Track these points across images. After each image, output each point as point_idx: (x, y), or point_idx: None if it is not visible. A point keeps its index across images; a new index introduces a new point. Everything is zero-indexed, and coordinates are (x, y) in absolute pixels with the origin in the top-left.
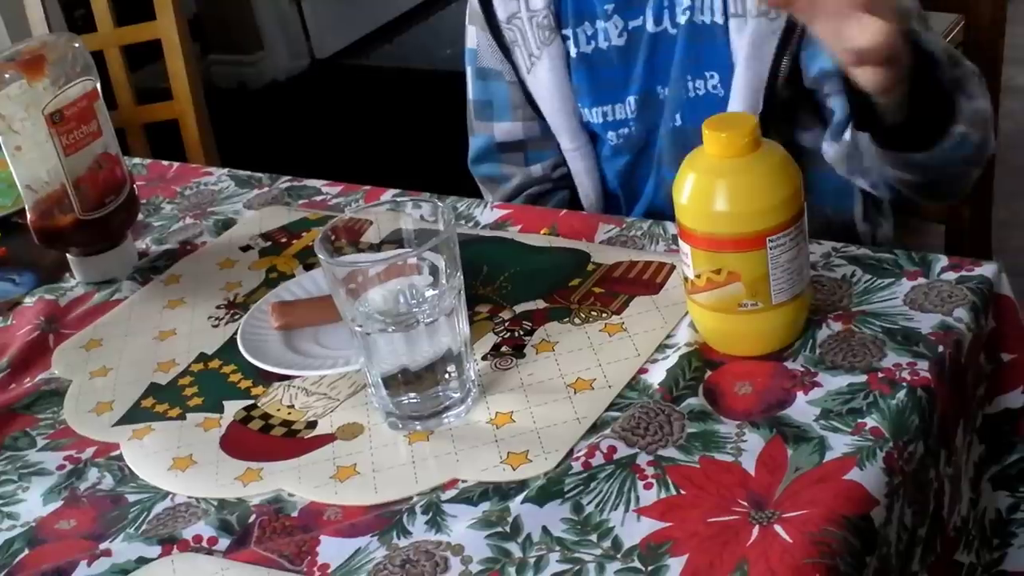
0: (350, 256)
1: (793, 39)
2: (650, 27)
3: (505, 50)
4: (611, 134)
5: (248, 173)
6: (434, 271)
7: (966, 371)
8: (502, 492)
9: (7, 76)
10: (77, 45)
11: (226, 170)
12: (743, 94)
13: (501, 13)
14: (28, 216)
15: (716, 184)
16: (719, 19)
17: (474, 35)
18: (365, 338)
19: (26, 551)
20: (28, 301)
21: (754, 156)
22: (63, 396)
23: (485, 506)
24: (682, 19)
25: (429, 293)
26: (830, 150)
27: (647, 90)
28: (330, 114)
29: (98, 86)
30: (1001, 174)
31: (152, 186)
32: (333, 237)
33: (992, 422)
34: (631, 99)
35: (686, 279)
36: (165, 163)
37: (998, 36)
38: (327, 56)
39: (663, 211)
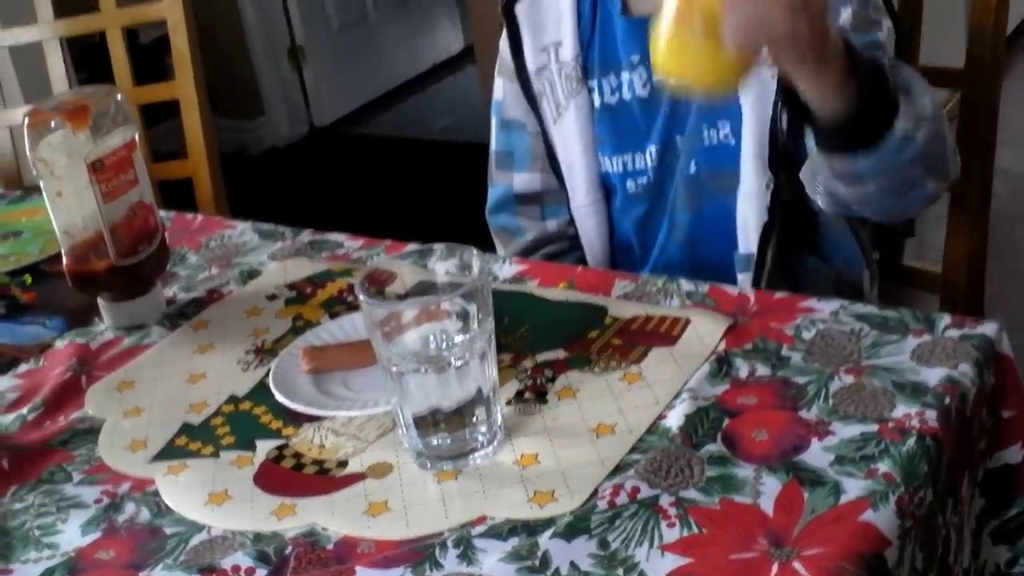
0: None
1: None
2: None
3: (532, 101)
4: (630, 183)
5: (271, 226)
6: (464, 317)
7: (971, 423)
8: (530, 528)
9: (52, 124)
10: (119, 97)
11: (249, 223)
12: (751, 141)
13: (531, 65)
14: (64, 260)
15: None
16: None
17: (501, 87)
18: (399, 378)
19: None
20: (59, 344)
21: None
22: (97, 434)
23: (514, 541)
24: None
25: (459, 338)
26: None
27: (666, 140)
28: (328, 180)
29: (136, 137)
30: (988, 251)
31: (177, 237)
32: (369, 282)
33: (993, 476)
34: (651, 148)
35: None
36: (189, 215)
37: (993, 115)
38: (326, 124)
39: (676, 256)
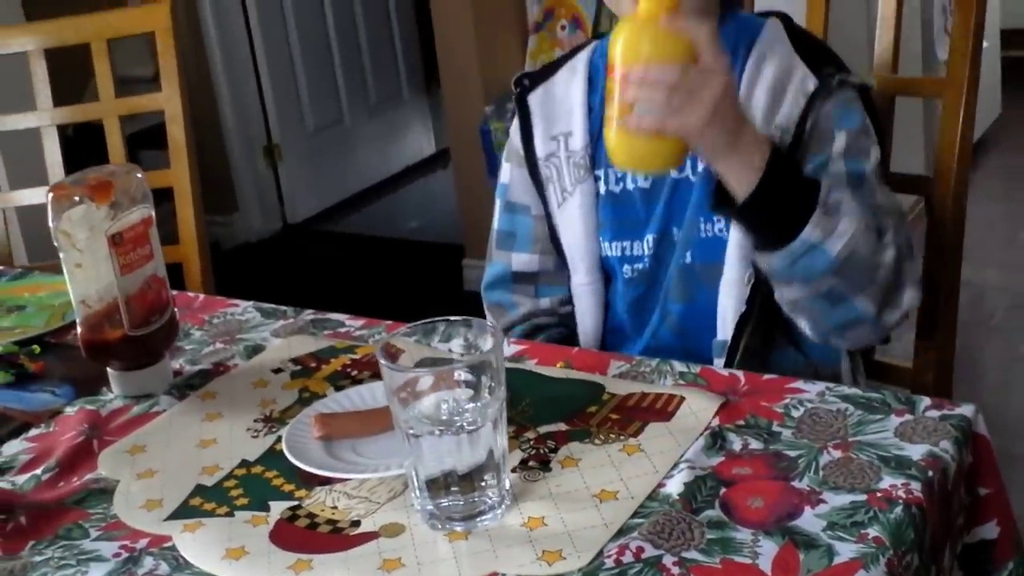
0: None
1: None
2: (673, 173)
3: (539, 185)
4: (627, 267)
5: (272, 306)
6: (474, 387)
7: (952, 497)
8: None
9: (76, 199)
10: (139, 176)
11: (250, 303)
12: (736, 235)
13: (541, 151)
14: (78, 330)
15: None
16: None
17: (508, 171)
18: (415, 440)
19: None
20: (69, 410)
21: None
22: (111, 494)
23: None
24: (701, 167)
25: (469, 406)
26: None
27: (664, 230)
28: (300, 276)
29: (153, 214)
30: None
31: (181, 314)
32: (385, 353)
33: (970, 551)
34: (649, 237)
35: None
36: (191, 294)
37: (960, 222)
38: (299, 221)
39: (667, 339)
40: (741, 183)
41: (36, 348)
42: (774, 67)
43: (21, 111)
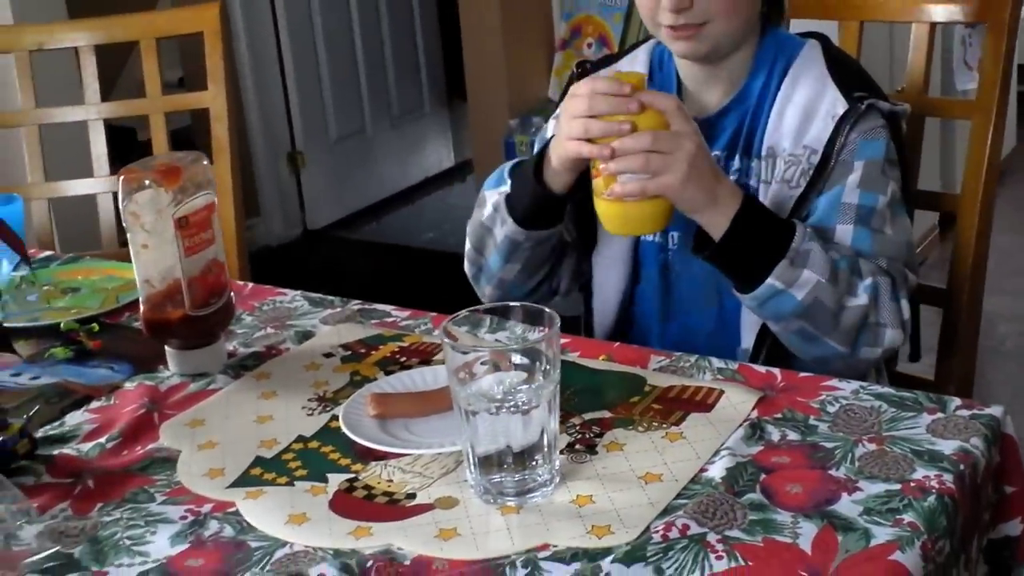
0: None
1: (804, 206)
2: None
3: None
4: (661, 255)
5: (320, 296)
6: (528, 370)
7: (980, 491)
8: (591, 555)
9: (146, 183)
10: (205, 163)
11: (298, 292)
12: None
13: None
14: (140, 308)
15: None
16: (754, 183)
17: (552, 126)
18: (472, 417)
19: None
20: (128, 386)
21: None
22: (174, 463)
23: (577, 565)
24: (732, 179)
25: (523, 387)
26: None
27: (687, 232)
28: (318, 281)
29: (216, 200)
30: None
31: None
32: (447, 335)
33: (995, 546)
34: (674, 235)
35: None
36: (240, 283)
37: (985, 238)
38: (319, 227)
39: (692, 344)
40: (717, 231)
41: (95, 326)
42: (807, 89)
43: (52, 105)
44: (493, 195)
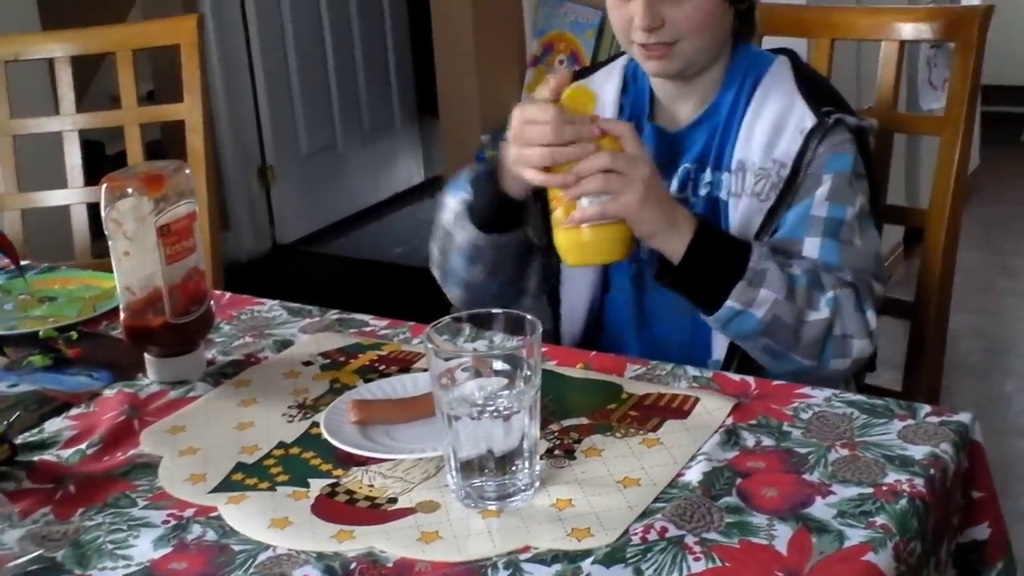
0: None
1: (775, 219)
2: (675, 192)
3: None
4: (624, 272)
5: (298, 305)
6: (510, 376)
7: (950, 495)
8: (571, 557)
9: (128, 191)
10: (187, 172)
11: (276, 302)
12: None
13: None
14: (121, 315)
15: None
16: (724, 196)
17: None
18: (454, 422)
19: None
20: (108, 393)
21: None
22: (156, 468)
23: (558, 567)
24: (703, 191)
25: (504, 392)
26: None
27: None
28: (287, 295)
29: (196, 209)
30: None
31: None
32: (430, 340)
33: (963, 550)
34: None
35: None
36: (218, 292)
37: (951, 254)
38: (288, 242)
39: (665, 353)
40: (674, 256)
41: (74, 335)
42: (776, 104)
43: (22, 116)
44: (453, 201)
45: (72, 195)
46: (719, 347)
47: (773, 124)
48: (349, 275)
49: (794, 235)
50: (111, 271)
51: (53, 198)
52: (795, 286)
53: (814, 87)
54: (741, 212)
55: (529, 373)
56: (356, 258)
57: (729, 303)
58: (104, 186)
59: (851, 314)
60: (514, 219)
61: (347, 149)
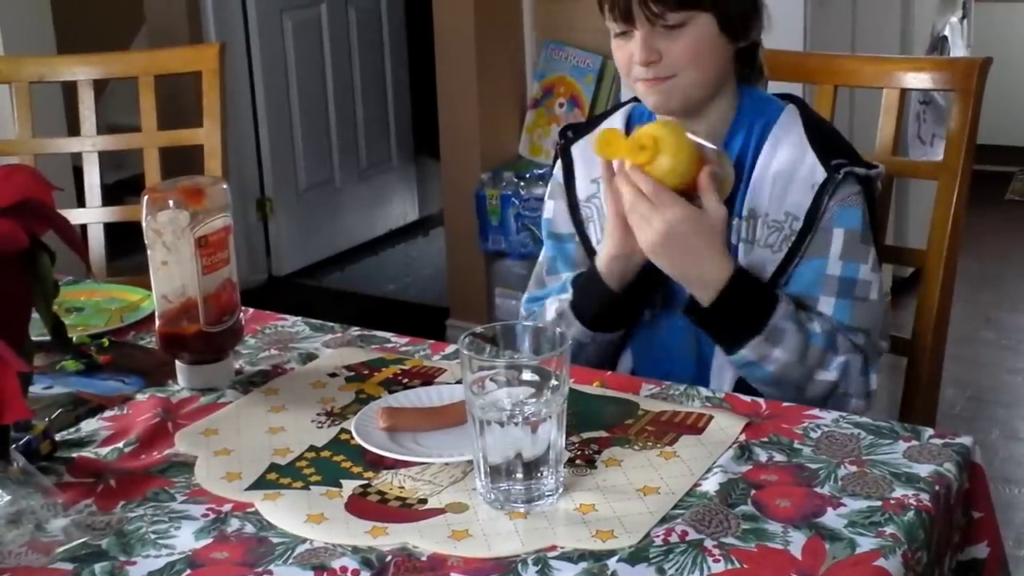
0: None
1: (786, 271)
2: None
3: (579, 224)
4: (645, 312)
5: (320, 322)
6: (538, 386)
7: (953, 512)
8: (597, 556)
9: (169, 203)
10: (224, 187)
11: (299, 318)
12: None
13: (582, 194)
14: (156, 322)
15: None
16: (734, 240)
17: (552, 207)
18: (485, 426)
19: (188, 571)
20: (140, 397)
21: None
22: (192, 467)
23: (585, 564)
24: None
25: (531, 401)
26: None
27: (668, 293)
28: None
29: (232, 223)
30: None
31: None
32: (467, 347)
33: (962, 567)
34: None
35: None
36: (242, 307)
37: (948, 290)
38: (283, 274)
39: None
40: (700, 297)
41: (106, 342)
42: (786, 154)
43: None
44: (554, 302)
45: (90, 214)
46: (720, 380)
47: (784, 175)
48: (343, 308)
49: (808, 293)
50: (132, 286)
51: (73, 217)
52: (810, 345)
53: (824, 138)
54: (753, 262)
55: (557, 383)
56: (350, 291)
57: (744, 352)
58: (146, 198)
59: (856, 377)
60: (620, 317)
61: (344, 185)
